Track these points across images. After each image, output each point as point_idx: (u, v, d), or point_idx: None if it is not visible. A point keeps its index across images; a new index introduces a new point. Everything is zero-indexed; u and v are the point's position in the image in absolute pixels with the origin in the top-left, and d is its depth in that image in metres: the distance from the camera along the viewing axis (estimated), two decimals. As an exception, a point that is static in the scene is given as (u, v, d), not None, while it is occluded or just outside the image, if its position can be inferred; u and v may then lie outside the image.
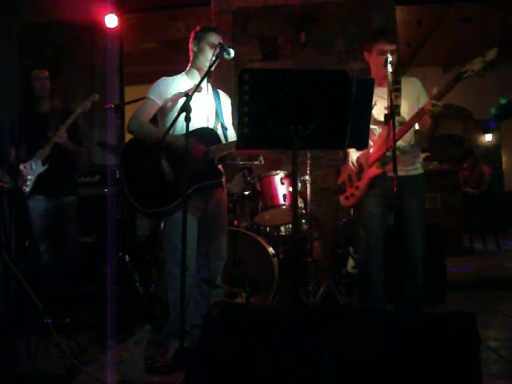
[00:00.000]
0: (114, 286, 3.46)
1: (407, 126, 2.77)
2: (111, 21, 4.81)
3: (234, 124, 2.89)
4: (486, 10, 7.06)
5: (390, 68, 2.67)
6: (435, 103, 2.60)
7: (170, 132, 2.58)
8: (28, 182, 3.50)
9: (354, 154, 3.01)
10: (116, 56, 5.44)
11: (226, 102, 2.97)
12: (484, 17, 7.31)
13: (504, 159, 11.16)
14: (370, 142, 2.88)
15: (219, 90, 2.97)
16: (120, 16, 4.91)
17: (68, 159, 3.66)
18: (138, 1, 5.66)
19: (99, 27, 4.94)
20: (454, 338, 1.53)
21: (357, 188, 2.97)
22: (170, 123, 2.53)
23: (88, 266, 4.09)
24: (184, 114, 2.30)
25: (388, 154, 2.73)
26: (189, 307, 2.58)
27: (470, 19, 7.44)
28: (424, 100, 2.88)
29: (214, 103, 2.87)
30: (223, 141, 2.77)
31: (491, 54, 2.47)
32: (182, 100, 2.64)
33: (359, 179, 2.96)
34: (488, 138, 11.02)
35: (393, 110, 2.57)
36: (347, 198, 3.07)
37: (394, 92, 2.79)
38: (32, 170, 3.52)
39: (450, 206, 6.63)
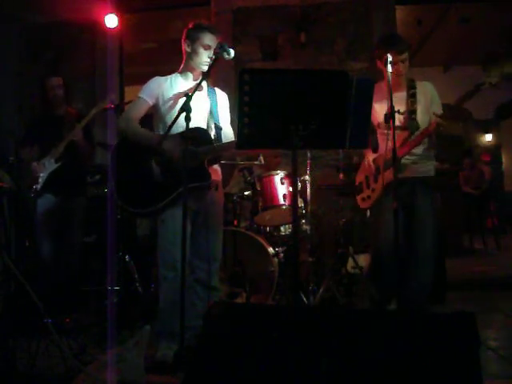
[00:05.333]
0: (114, 286, 3.46)
1: (414, 142, 2.82)
2: (111, 21, 4.80)
3: (233, 122, 2.87)
4: (485, 9, 7.05)
5: (389, 68, 2.69)
6: (440, 123, 2.63)
7: (161, 128, 2.63)
8: (40, 180, 3.54)
9: (370, 155, 3.07)
10: (116, 56, 5.43)
11: (222, 100, 2.91)
12: (484, 17, 7.30)
13: (504, 159, 11.16)
14: (390, 144, 2.91)
15: (216, 88, 2.93)
16: (120, 16, 4.90)
17: (80, 158, 3.68)
18: (137, 1, 5.65)
19: (99, 27, 4.94)
20: (454, 338, 1.53)
21: (373, 190, 3.03)
22: (167, 124, 2.52)
23: (88, 266, 4.09)
24: (184, 114, 2.30)
25: (403, 160, 2.84)
26: (175, 308, 2.43)
27: (470, 19, 7.44)
28: (436, 104, 2.92)
29: (208, 102, 2.84)
30: (217, 141, 2.75)
31: (509, 66, 2.49)
32: (181, 100, 2.63)
33: (376, 181, 3.00)
34: (488, 138, 11.02)
35: (392, 111, 2.61)
36: (364, 199, 3.13)
37: (410, 98, 2.88)
38: (45, 168, 3.57)
39: (450, 205, 6.63)
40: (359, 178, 3.18)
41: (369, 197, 3.06)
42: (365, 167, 3.11)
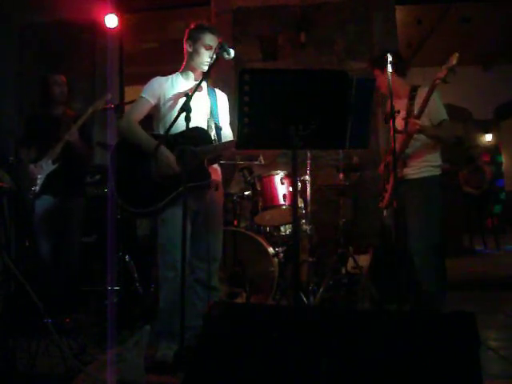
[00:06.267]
0: (114, 286, 3.46)
1: (403, 146, 3.00)
2: (111, 21, 4.80)
3: (232, 123, 2.87)
4: (485, 9, 7.05)
5: (389, 68, 2.75)
6: (414, 122, 2.85)
7: (161, 128, 2.66)
8: (38, 181, 3.53)
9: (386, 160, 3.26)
10: (116, 56, 5.43)
11: (222, 100, 2.93)
12: (484, 17, 7.30)
13: (504, 159, 11.15)
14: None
15: (216, 89, 2.94)
16: (120, 16, 4.90)
17: (77, 159, 3.67)
18: (137, 1, 5.65)
19: (99, 27, 4.94)
20: (454, 338, 1.53)
21: (386, 191, 3.21)
22: (167, 123, 2.52)
23: (88, 266, 4.09)
24: (184, 114, 2.30)
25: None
26: (175, 308, 2.43)
27: (470, 19, 7.44)
28: (434, 108, 3.00)
29: (209, 102, 2.84)
30: (217, 141, 2.75)
31: (452, 60, 2.72)
32: (181, 100, 2.63)
33: (388, 182, 3.19)
34: (488, 138, 11.01)
35: (392, 111, 2.74)
36: (381, 200, 3.28)
37: (410, 100, 3.04)
38: (42, 170, 3.55)
39: (450, 206, 6.63)
40: (383, 180, 3.37)
41: (383, 197, 3.24)
42: (382, 170, 3.34)
